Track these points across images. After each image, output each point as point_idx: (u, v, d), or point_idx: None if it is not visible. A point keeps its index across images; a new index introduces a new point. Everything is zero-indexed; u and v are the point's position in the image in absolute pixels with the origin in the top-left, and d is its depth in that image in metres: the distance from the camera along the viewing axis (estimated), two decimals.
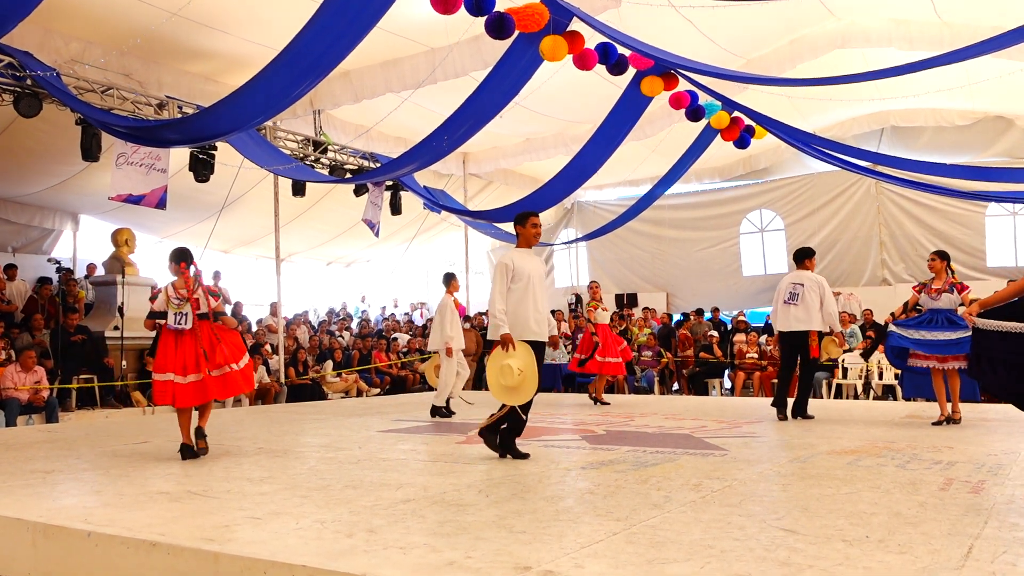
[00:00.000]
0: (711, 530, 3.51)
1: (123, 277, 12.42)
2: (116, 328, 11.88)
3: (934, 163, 12.22)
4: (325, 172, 13.30)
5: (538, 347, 5.81)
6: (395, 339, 16.90)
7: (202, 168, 11.68)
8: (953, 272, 8.20)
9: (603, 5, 9.31)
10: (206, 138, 9.78)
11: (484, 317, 17.74)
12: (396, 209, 14.74)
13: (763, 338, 14.91)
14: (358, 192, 14.00)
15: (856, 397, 12.92)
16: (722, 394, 14.79)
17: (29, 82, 9.39)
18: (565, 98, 12.99)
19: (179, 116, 10.82)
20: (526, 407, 5.79)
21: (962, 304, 7.91)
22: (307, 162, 13.00)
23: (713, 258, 19.13)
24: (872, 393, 12.71)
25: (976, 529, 3.50)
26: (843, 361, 13.23)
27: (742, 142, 11.11)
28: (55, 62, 9.61)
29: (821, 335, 8.43)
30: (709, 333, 15.67)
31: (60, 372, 10.89)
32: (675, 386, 15.76)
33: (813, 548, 3.20)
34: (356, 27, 6.97)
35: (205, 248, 13.00)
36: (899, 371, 12.42)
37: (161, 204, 10.87)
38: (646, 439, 6.99)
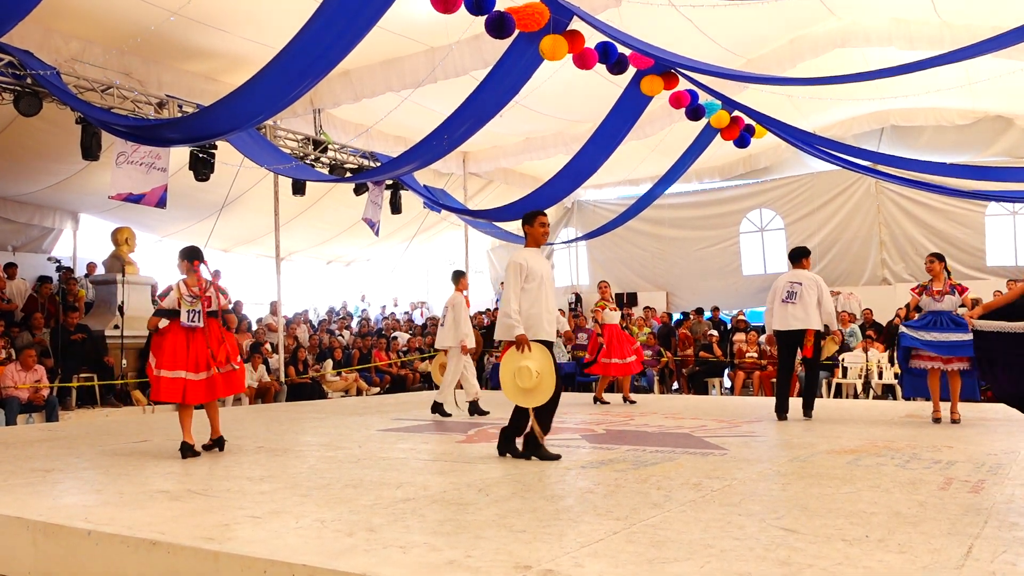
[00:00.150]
0: (711, 529, 3.51)
1: (123, 276, 12.41)
2: (116, 327, 11.88)
3: (934, 162, 12.21)
4: (325, 171, 13.30)
5: (549, 347, 5.76)
6: (395, 338, 16.90)
7: (202, 167, 11.67)
8: (950, 273, 8.26)
9: (603, 4, 9.31)
10: (206, 137, 9.78)
11: (484, 316, 17.74)
12: (396, 208, 14.73)
13: (763, 337, 14.90)
14: (358, 191, 14.00)
15: (856, 396, 12.93)
16: (722, 393, 14.80)
17: (29, 81, 9.38)
18: (565, 97, 12.98)
19: (179, 115, 10.81)
20: (547, 409, 5.71)
21: (963, 306, 7.96)
22: (307, 161, 12.99)
23: (713, 257, 19.12)
24: (872, 392, 12.71)
25: (976, 528, 3.50)
26: (843, 360, 13.24)
27: (742, 141, 11.11)
28: (55, 61, 9.61)
29: (818, 334, 8.43)
30: (709, 332, 15.68)
31: (60, 371, 10.89)
32: (675, 385, 15.77)
33: (813, 547, 3.20)
34: (356, 26, 6.96)
35: (205, 247, 12.96)
36: (898, 371, 12.48)
37: (161, 203, 10.87)
38: (646, 438, 6.99)
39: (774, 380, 13.81)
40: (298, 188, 13.37)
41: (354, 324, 18.45)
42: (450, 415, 9.22)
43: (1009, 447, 6.17)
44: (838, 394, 13.13)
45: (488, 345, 14.77)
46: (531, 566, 2.96)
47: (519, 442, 5.85)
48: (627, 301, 19.16)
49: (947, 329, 7.80)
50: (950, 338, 7.68)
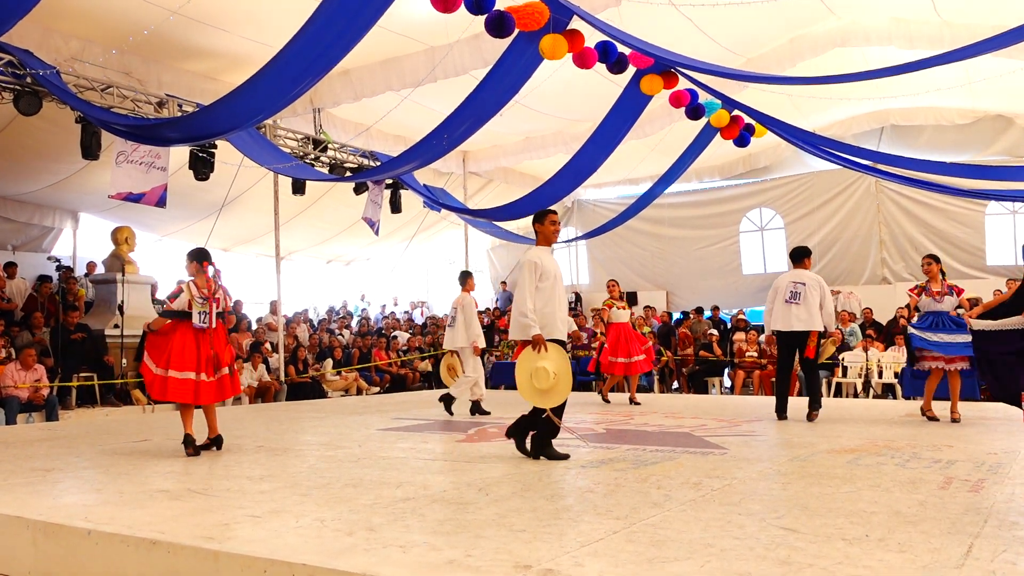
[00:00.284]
0: (711, 529, 3.51)
1: (123, 275, 12.42)
2: (116, 326, 11.88)
3: (934, 161, 12.22)
4: (325, 170, 13.30)
5: (562, 346, 5.74)
6: (395, 337, 16.90)
7: (202, 166, 11.68)
8: (944, 274, 8.33)
9: (603, 4, 9.31)
10: (206, 136, 9.77)
11: (485, 316, 17.74)
12: (396, 207, 14.73)
13: (763, 337, 14.91)
14: (358, 190, 14.00)
15: (856, 396, 12.93)
16: (722, 393, 14.80)
17: (29, 80, 9.38)
18: (565, 97, 12.98)
19: (179, 114, 10.81)
20: (560, 409, 5.70)
21: (959, 307, 8.02)
22: (307, 160, 12.99)
23: (713, 256, 19.12)
24: (872, 392, 12.71)
25: (976, 528, 3.50)
26: (843, 360, 13.25)
27: (742, 140, 11.10)
28: (55, 60, 9.61)
29: (819, 335, 8.41)
30: (709, 332, 15.68)
31: (60, 370, 10.89)
32: (675, 384, 15.77)
33: (813, 547, 3.20)
34: (356, 25, 6.96)
35: (205, 246, 12.97)
36: (899, 370, 12.49)
37: (161, 202, 10.87)
38: (646, 438, 6.99)
39: (774, 380, 13.88)
40: (298, 187, 13.37)
41: (354, 323, 18.46)
42: (453, 415, 9.21)
43: (1009, 446, 6.17)
44: (838, 393, 13.14)
45: (488, 344, 14.78)
46: (531, 565, 2.96)
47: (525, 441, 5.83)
48: (627, 300, 19.14)
49: (949, 330, 7.87)
50: (956, 339, 7.71)
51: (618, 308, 10.79)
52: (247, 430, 7.91)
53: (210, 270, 6.40)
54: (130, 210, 13.59)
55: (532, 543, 3.29)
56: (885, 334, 14.10)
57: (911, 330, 8.19)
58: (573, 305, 19.78)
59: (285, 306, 15.09)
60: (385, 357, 15.53)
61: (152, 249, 16.50)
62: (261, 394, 12.64)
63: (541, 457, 5.68)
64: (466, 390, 9.27)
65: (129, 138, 9.76)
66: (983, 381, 4.63)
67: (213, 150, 11.71)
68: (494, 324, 17.81)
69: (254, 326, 14.46)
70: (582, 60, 8.58)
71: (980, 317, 4.17)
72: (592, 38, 8.44)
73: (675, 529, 3.52)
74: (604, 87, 10.81)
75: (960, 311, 7.97)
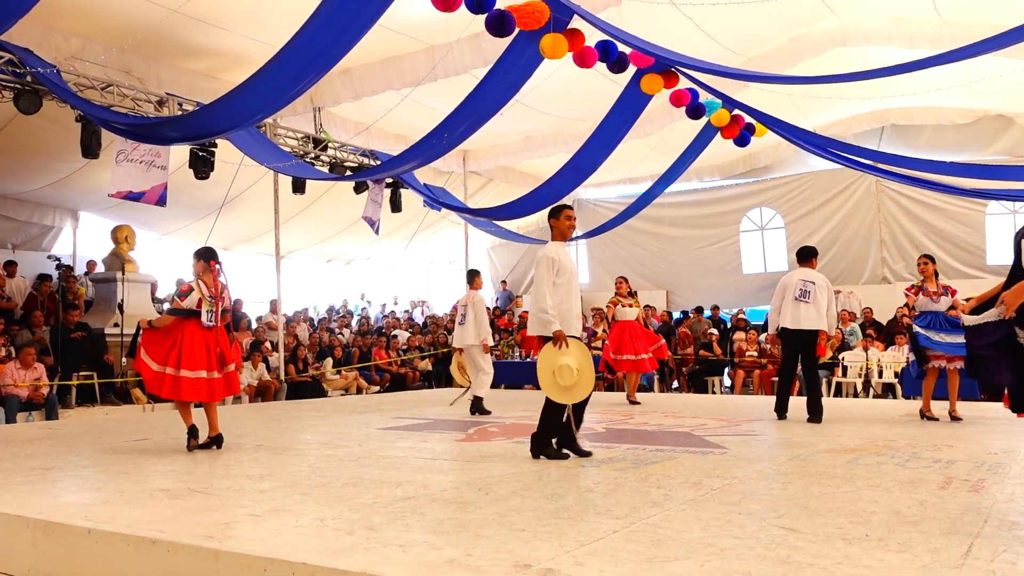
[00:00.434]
0: (711, 528, 3.51)
1: (123, 274, 12.42)
2: (116, 325, 11.88)
3: (934, 161, 12.22)
4: (325, 169, 13.30)
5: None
6: (395, 336, 16.91)
7: (202, 165, 11.68)
8: (937, 275, 8.39)
9: (604, 3, 9.31)
10: (206, 135, 9.78)
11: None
12: (396, 206, 14.73)
13: (763, 336, 14.91)
14: (358, 189, 14.00)
15: (856, 395, 12.93)
16: (722, 392, 14.80)
17: (29, 79, 9.38)
18: (565, 96, 12.98)
19: (179, 113, 10.81)
20: (583, 406, 5.69)
21: (953, 308, 8.07)
22: (307, 159, 12.98)
23: (713, 256, 19.12)
24: (872, 391, 12.72)
25: (976, 528, 3.50)
26: (843, 359, 13.25)
27: (742, 140, 11.10)
28: (55, 59, 9.61)
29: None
30: (709, 331, 15.69)
31: (60, 369, 10.89)
32: (675, 384, 15.77)
33: (813, 546, 3.20)
34: (356, 24, 6.96)
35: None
36: (899, 370, 12.48)
37: (161, 201, 10.87)
38: (646, 437, 6.99)
39: (774, 378, 13.86)
40: (298, 186, 13.37)
41: (354, 322, 18.46)
42: (490, 412, 9.19)
43: (1009, 446, 6.17)
44: (838, 393, 13.13)
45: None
46: (531, 565, 2.96)
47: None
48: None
49: (947, 330, 7.92)
50: (958, 340, 7.74)
51: (623, 306, 10.65)
52: (247, 429, 7.92)
53: (217, 269, 6.49)
54: (130, 209, 13.59)
55: (532, 542, 3.29)
56: (885, 334, 14.10)
57: (917, 329, 8.19)
58: None
59: (285, 305, 15.09)
60: (385, 356, 15.53)
61: (152, 248, 16.52)
62: (261, 393, 12.64)
63: (541, 456, 5.69)
64: (487, 385, 9.27)
65: (129, 137, 9.76)
66: (970, 376, 4.61)
67: (213, 149, 11.71)
68: (494, 323, 17.80)
69: (254, 325, 14.47)
70: (582, 59, 8.58)
71: (973, 311, 4.16)
72: (592, 37, 8.44)
73: (675, 528, 3.52)
74: (604, 86, 10.81)
75: (954, 312, 8.03)
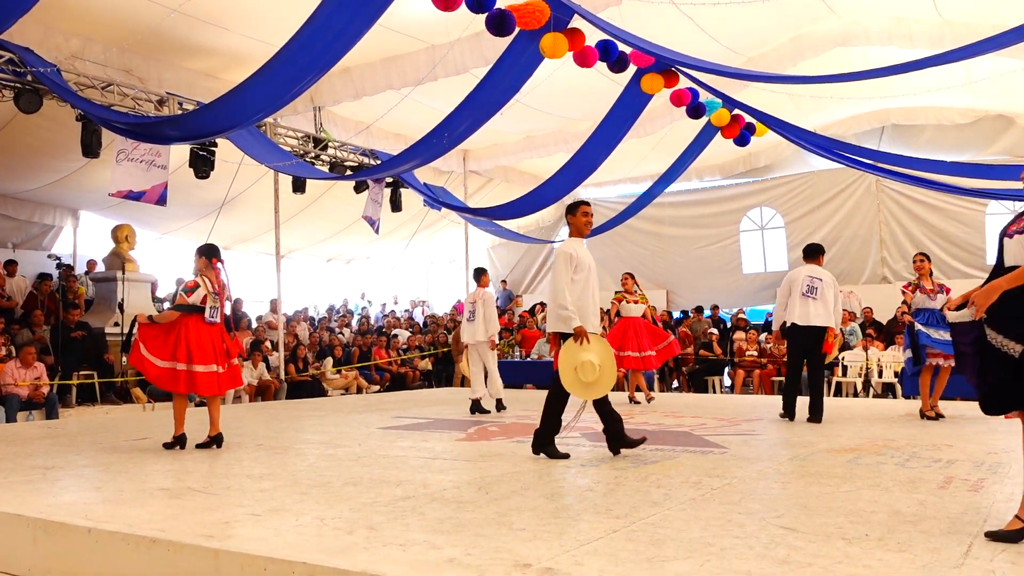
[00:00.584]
0: (711, 528, 3.52)
1: (123, 273, 12.42)
2: (116, 324, 11.88)
3: (934, 161, 12.21)
4: (325, 169, 13.30)
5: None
6: (395, 336, 16.90)
7: (202, 165, 11.68)
8: (932, 273, 8.41)
9: (604, 2, 9.30)
10: (206, 134, 9.78)
11: None
12: (396, 206, 14.74)
13: (763, 336, 14.91)
14: (358, 189, 14.00)
15: (856, 395, 12.93)
16: (722, 392, 14.80)
17: (29, 78, 9.38)
18: (566, 95, 12.98)
19: (179, 112, 10.81)
20: (605, 399, 5.68)
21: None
22: (307, 159, 12.99)
23: (713, 256, 19.11)
24: (872, 391, 12.72)
25: (976, 527, 3.50)
26: (843, 359, 13.24)
27: (742, 140, 11.11)
28: (55, 58, 9.61)
29: None
30: (709, 331, 15.68)
31: (60, 368, 10.89)
32: (675, 383, 15.77)
33: (813, 546, 3.20)
34: (357, 24, 6.97)
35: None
36: (899, 369, 12.48)
37: (162, 200, 10.87)
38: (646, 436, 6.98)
39: (774, 377, 13.86)
40: (298, 186, 13.37)
41: (354, 322, 18.46)
42: (506, 408, 9.29)
43: (1009, 446, 6.16)
44: (838, 393, 13.13)
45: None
46: (531, 564, 2.96)
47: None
48: None
49: (944, 327, 7.95)
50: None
51: (628, 302, 10.52)
52: (247, 428, 7.92)
53: (219, 267, 6.57)
54: (130, 208, 13.59)
55: (532, 542, 3.29)
56: (885, 333, 14.10)
57: (919, 327, 8.18)
58: None
59: (285, 304, 15.09)
60: (385, 356, 15.53)
61: (152, 247, 16.52)
62: (261, 392, 12.64)
63: (541, 455, 5.69)
64: (499, 384, 9.32)
65: (129, 136, 9.76)
66: (958, 373, 4.60)
67: (213, 148, 11.71)
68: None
69: (254, 324, 14.47)
70: (583, 59, 8.58)
71: (957, 309, 4.17)
72: (593, 37, 8.44)
73: (675, 528, 3.52)
74: (605, 86, 10.81)
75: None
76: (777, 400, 9.34)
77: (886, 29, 11.45)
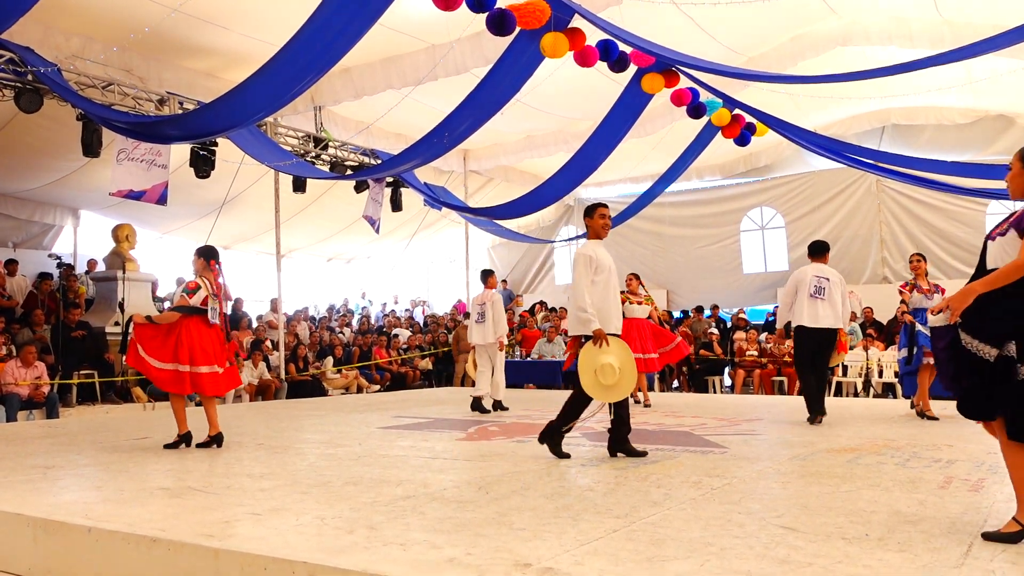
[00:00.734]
0: (711, 528, 3.52)
1: (124, 273, 12.43)
2: (117, 324, 11.88)
3: (935, 160, 12.22)
4: (326, 169, 13.30)
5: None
6: (395, 336, 16.90)
7: (203, 164, 11.68)
8: (927, 273, 8.44)
9: (604, 2, 9.30)
10: (207, 134, 9.79)
11: None
12: (397, 206, 14.74)
13: (763, 336, 14.91)
14: (359, 188, 14.01)
15: (856, 395, 12.93)
16: (722, 392, 14.80)
17: (30, 78, 9.38)
18: (566, 95, 12.98)
19: (180, 112, 10.82)
20: (624, 402, 5.67)
21: None
22: (308, 159, 12.99)
23: (713, 255, 19.11)
24: (872, 391, 12.71)
25: (976, 527, 3.50)
26: (843, 359, 13.23)
27: (743, 139, 11.11)
28: (56, 58, 9.61)
29: None
30: (709, 331, 15.68)
31: (61, 367, 10.90)
32: (675, 383, 15.77)
33: (813, 546, 3.20)
34: (357, 23, 6.97)
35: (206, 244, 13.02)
36: (899, 369, 12.47)
37: (162, 200, 10.88)
38: (646, 436, 6.98)
39: (775, 377, 13.87)
40: (299, 185, 13.38)
41: (354, 321, 18.46)
42: (508, 408, 9.31)
43: None
44: (838, 393, 13.13)
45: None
46: (531, 564, 2.96)
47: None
48: None
49: None
50: None
51: (631, 303, 10.47)
52: (247, 428, 7.92)
53: (217, 269, 6.58)
54: (131, 207, 13.60)
55: (532, 541, 3.29)
56: (885, 334, 14.10)
57: (919, 327, 8.16)
58: None
59: (286, 304, 15.09)
60: (385, 355, 15.53)
61: (153, 246, 16.53)
62: (261, 392, 12.64)
63: (545, 444, 5.70)
64: (487, 385, 9.32)
65: (130, 135, 9.77)
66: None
67: (214, 148, 11.71)
68: None
69: (255, 324, 14.47)
70: (583, 58, 8.58)
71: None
72: (593, 36, 8.44)
73: (675, 528, 3.52)
74: (605, 86, 10.81)
75: None
76: (777, 401, 9.36)
77: (886, 29, 11.45)
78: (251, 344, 12.97)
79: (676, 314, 18.37)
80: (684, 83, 9.83)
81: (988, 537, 3.28)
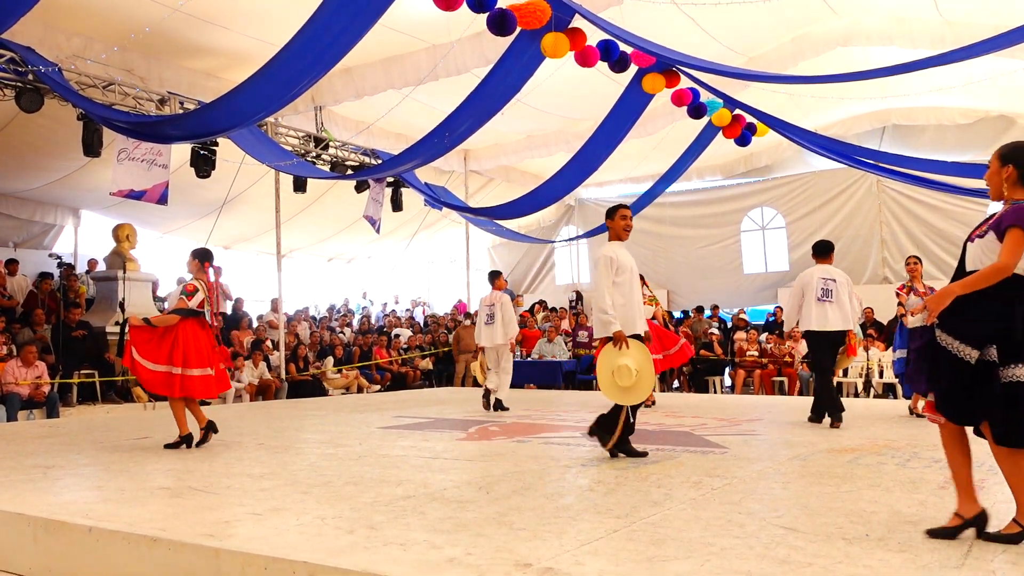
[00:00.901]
0: (711, 528, 3.52)
1: (124, 272, 12.43)
2: (117, 323, 11.88)
3: (935, 161, 12.21)
4: (326, 169, 13.30)
5: (640, 341, 5.67)
6: (396, 335, 16.90)
7: (203, 164, 11.69)
8: (921, 275, 8.46)
9: (605, 2, 9.31)
10: (207, 134, 9.79)
11: None
12: (397, 205, 14.74)
13: (763, 336, 14.91)
14: (359, 188, 14.01)
15: (856, 395, 12.93)
16: (722, 392, 14.80)
17: (31, 77, 9.39)
18: (567, 95, 12.98)
19: (180, 112, 10.82)
20: (636, 406, 5.66)
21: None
22: (308, 158, 12.99)
23: (714, 256, 19.11)
24: (872, 391, 12.71)
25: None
26: None
27: (743, 140, 11.11)
28: (57, 57, 9.62)
29: None
30: (709, 331, 15.68)
31: (61, 367, 10.90)
32: (675, 383, 15.77)
33: (813, 546, 3.20)
34: (358, 23, 6.97)
35: (206, 244, 13.00)
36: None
37: (163, 200, 10.88)
38: (646, 437, 6.98)
39: (775, 377, 13.86)
40: (299, 185, 13.38)
41: (355, 321, 18.46)
42: (508, 409, 9.31)
43: None
44: (838, 393, 13.11)
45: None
46: (531, 564, 2.96)
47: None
48: None
49: None
50: None
51: None
52: (248, 428, 7.92)
53: (210, 271, 6.59)
54: (131, 207, 13.60)
55: (532, 541, 3.29)
56: (886, 334, 14.08)
57: None
58: (574, 304, 19.79)
59: (286, 304, 15.09)
60: (386, 355, 15.53)
61: (153, 246, 16.52)
62: (262, 392, 12.64)
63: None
64: (507, 386, 9.31)
65: (131, 135, 9.77)
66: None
67: (214, 148, 11.72)
68: None
69: (255, 324, 14.47)
70: (584, 59, 8.59)
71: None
72: (594, 37, 8.45)
73: (675, 528, 3.52)
74: (606, 86, 10.81)
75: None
76: (777, 401, 9.36)
77: (887, 29, 11.45)
78: (251, 344, 12.96)
79: (676, 314, 18.36)
80: (685, 83, 9.83)
81: (988, 538, 3.28)
